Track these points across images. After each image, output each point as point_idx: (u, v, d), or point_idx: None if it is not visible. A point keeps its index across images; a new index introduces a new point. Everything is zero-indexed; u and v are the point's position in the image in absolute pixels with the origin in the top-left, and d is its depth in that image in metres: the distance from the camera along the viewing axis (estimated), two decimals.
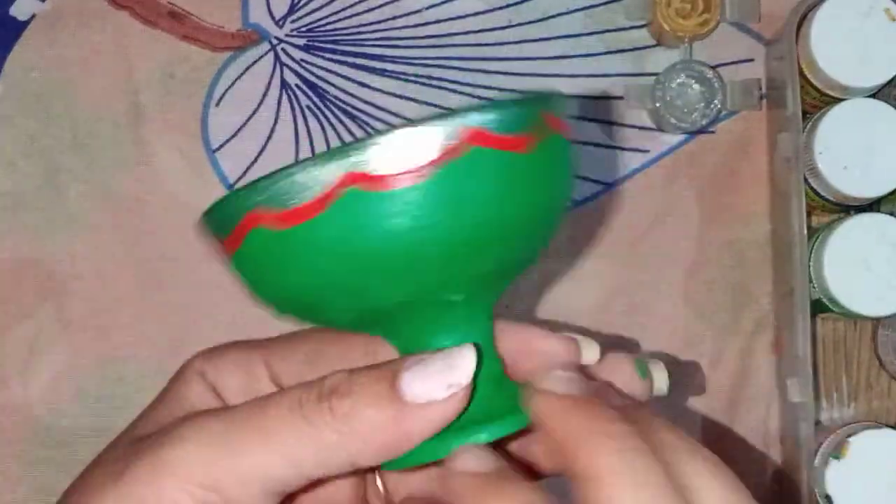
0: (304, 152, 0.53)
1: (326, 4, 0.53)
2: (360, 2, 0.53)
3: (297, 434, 0.28)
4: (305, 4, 0.53)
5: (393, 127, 0.26)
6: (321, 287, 0.28)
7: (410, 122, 0.26)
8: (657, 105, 0.51)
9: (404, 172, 0.26)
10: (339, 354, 0.33)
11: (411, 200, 0.26)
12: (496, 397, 0.29)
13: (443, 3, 0.53)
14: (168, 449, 0.28)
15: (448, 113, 0.26)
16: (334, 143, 0.53)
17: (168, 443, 0.28)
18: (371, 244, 0.27)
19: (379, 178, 0.26)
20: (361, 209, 0.26)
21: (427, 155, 0.26)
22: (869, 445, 0.46)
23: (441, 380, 0.28)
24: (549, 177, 0.29)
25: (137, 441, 0.30)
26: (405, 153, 0.26)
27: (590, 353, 0.33)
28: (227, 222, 0.28)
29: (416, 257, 0.27)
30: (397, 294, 0.28)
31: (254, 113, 0.53)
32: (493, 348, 0.30)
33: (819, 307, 0.48)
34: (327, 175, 0.26)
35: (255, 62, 0.53)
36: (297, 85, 0.53)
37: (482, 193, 0.27)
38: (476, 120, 0.26)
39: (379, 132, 0.26)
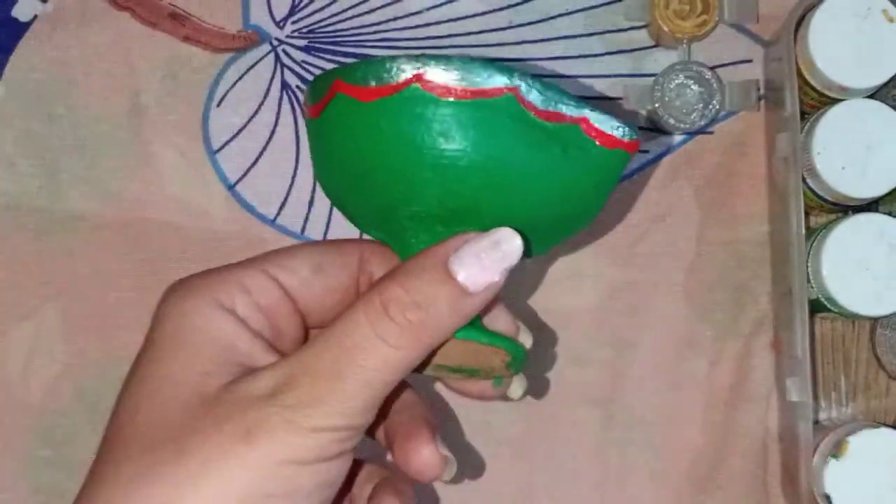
0: (305, 153, 0.53)
1: (327, 6, 0.53)
2: (360, 3, 0.53)
3: (381, 360, 0.30)
4: (306, 6, 0.53)
5: (465, 58, 0.32)
6: (374, 159, 0.33)
7: (475, 60, 0.32)
8: (656, 105, 0.51)
9: (454, 89, 0.31)
10: (341, 261, 0.36)
11: (450, 113, 0.31)
12: None
13: (443, 4, 0.53)
14: (280, 434, 0.29)
15: (505, 66, 0.32)
16: None
17: (268, 427, 0.29)
18: (417, 132, 0.32)
19: (437, 86, 0.31)
20: (417, 102, 0.31)
21: (477, 86, 0.31)
22: (868, 445, 0.46)
23: (497, 266, 0.31)
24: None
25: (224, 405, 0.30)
26: (465, 78, 0.31)
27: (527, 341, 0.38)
28: (319, 90, 0.33)
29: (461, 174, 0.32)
30: (427, 192, 0.33)
31: (254, 114, 0.53)
32: None
33: (817, 307, 0.48)
34: (403, 71, 0.31)
35: (255, 63, 0.53)
36: (297, 86, 0.53)
37: (504, 132, 0.32)
38: (518, 83, 0.32)
39: (451, 58, 0.32)
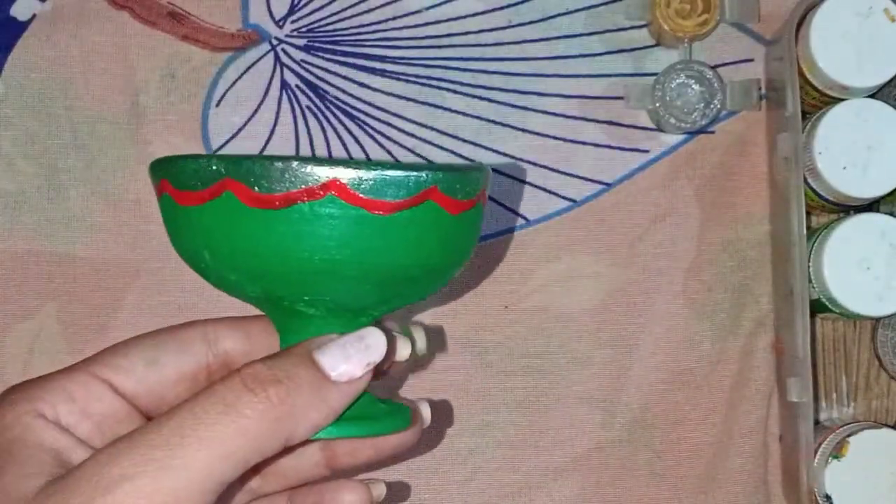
0: (305, 152, 0.53)
1: (327, 5, 0.53)
2: (360, 2, 0.53)
3: (234, 429, 0.29)
4: (305, 5, 0.53)
5: (380, 163, 0.31)
6: (258, 261, 0.31)
7: (394, 162, 0.32)
8: (657, 105, 0.51)
9: (378, 201, 0.31)
10: (179, 350, 0.35)
11: (375, 227, 0.31)
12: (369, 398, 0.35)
13: (443, 3, 0.53)
14: (108, 497, 0.27)
15: (422, 166, 0.32)
16: (334, 143, 0.53)
17: (104, 489, 0.28)
18: (325, 244, 0.31)
19: (354, 196, 0.30)
20: (331, 215, 0.30)
21: (398, 195, 0.31)
22: (869, 445, 0.46)
23: (361, 359, 0.32)
24: (468, 240, 0.35)
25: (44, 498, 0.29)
26: (384, 187, 0.31)
27: (403, 350, 0.38)
28: (202, 179, 0.31)
29: (362, 275, 0.32)
30: (324, 292, 0.33)
31: (254, 113, 0.53)
32: None
33: (818, 307, 0.48)
34: (316, 175, 0.30)
35: (255, 62, 0.53)
36: (297, 85, 0.53)
37: (423, 238, 0.32)
38: (439, 179, 0.32)
39: (367, 163, 0.31)
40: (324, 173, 0.30)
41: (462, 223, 0.34)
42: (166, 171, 0.33)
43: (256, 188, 0.30)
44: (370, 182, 0.30)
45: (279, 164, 0.30)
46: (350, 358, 0.32)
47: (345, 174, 0.30)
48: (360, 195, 0.30)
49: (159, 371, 0.34)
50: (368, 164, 0.31)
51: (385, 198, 0.31)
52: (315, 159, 0.31)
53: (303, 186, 0.30)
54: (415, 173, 0.31)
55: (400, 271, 0.33)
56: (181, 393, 0.35)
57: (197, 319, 0.37)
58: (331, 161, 0.30)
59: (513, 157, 0.53)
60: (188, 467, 0.28)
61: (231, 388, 0.29)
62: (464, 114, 0.53)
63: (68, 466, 0.31)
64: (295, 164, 0.30)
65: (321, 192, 0.30)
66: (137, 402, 0.34)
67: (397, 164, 0.31)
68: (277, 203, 0.30)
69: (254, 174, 0.30)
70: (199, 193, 0.31)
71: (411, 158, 0.53)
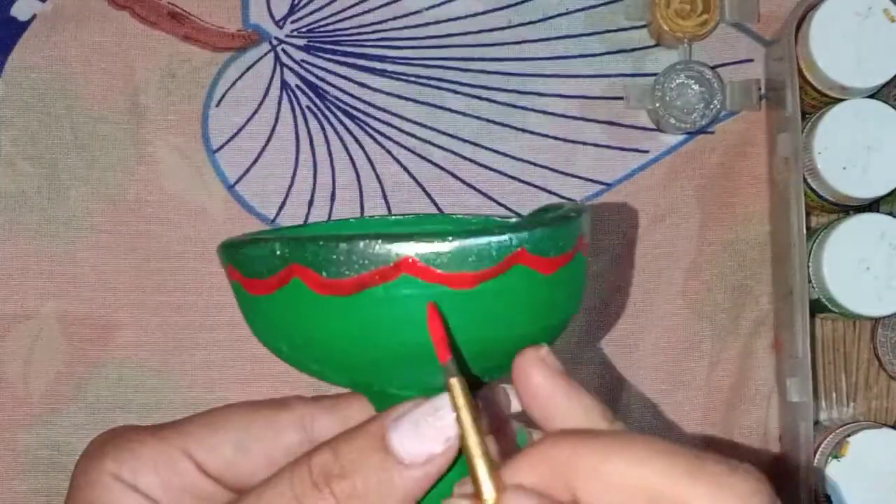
0: (305, 152, 0.53)
1: (327, 5, 0.53)
2: (360, 2, 0.53)
3: None
4: (306, 5, 0.53)
5: (458, 230, 0.27)
6: (336, 351, 0.28)
7: (473, 226, 0.27)
8: (657, 105, 0.51)
9: (458, 274, 0.27)
10: (272, 436, 0.32)
11: (460, 302, 0.27)
12: None
13: (443, 3, 0.53)
14: None
15: (505, 225, 0.28)
16: (334, 143, 0.53)
17: None
18: (405, 328, 0.27)
19: (431, 272, 0.27)
20: (409, 296, 0.27)
21: (480, 266, 0.27)
22: (868, 445, 0.46)
23: (437, 436, 0.27)
24: (570, 295, 0.31)
25: None
26: (464, 258, 0.27)
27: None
28: (267, 266, 0.28)
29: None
30: (412, 377, 0.29)
31: (254, 113, 0.53)
32: None
33: (818, 307, 0.48)
34: (386, 254, 0.27)
35: (255, 63, 0.53)
36: (297, 85, 0.53)
37: (514, 306, 0.28)
38: (525, 240, 0.28)
39: (442, 233, 0.27)
40: (395, 250, 0.27)
41: (558, 281, 0.29)
42: (231, 258, 0.30)
43: (324, 273, 0.27)
44: (447, 255, 0.27)
45: (344, 246, 0.27)
46: (424, 436, 0.27)
47: (419, 249, 0.27)
48: (438, 271, 0.27)
49: (248, 457, 0.32)
50: (444, 234, 0.27)
51: (466, 269, 0.27)
52: (384, 235, 0.27)
53: (374, 268, 0.27)
54: (497, 238, 0.27)
55: (493, 344, 0.29)
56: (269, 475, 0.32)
57: (295, 396, 0.34)
58: (402, 236, 0.27)
59: (513, 157, 0.53)
60: None
61: (298, 479, 0.28)
62: (464, 114, 0.53)
63: None
64: (362, 244, 0.27)
65: (394, 273, 0.27)
66: (223, 481, 0.32)
67: (477, 229, 0.28)
68: (348, 289, 0.27)
69: (319, 258, 0.27)
70: (266, 282, 0.28)
71: (412, 158, 0.53)
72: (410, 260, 0.27)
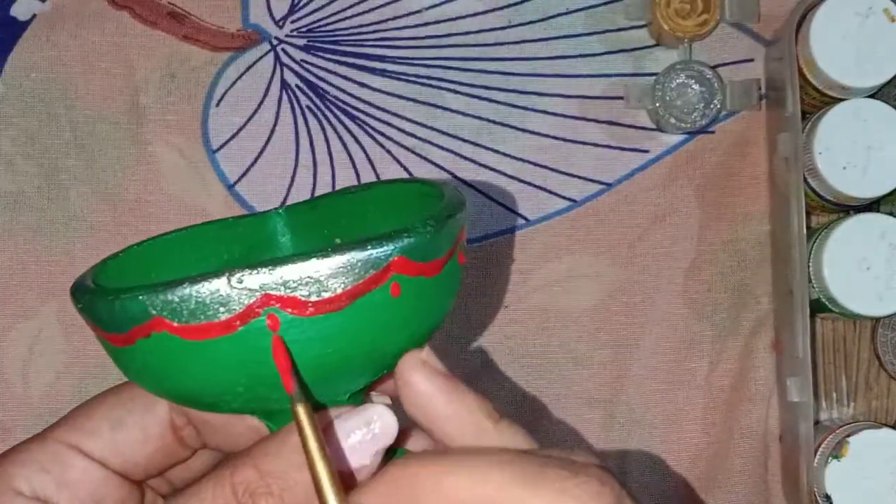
0: (305, 152, 0.53)
1: (326, 5, 0.53)
2: (360, 2, 0.53)
3: None
4: (305, 5, 0.53)
5: (305, 253, 0.25)
6: (214, 391, 0.27)
7: (329, 246, 0.25)
8: (657, 105, 0.51)
9: (323, 300, 0.25)
10: (142, 409, 0.32)
11: (327, 327, 0.26)
12: None
13: (443, 3, 0.53)
14: None
15: (367, 240, 0.26)
16: (334, 143, 0.53)
17: None
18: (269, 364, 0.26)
19: (299, 303, 0.25)
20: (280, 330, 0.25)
21: (347, 283, 0.25)
22: (868, 445, 0.46)
23: (368, 449, 0.27)
24: (451, 295, 0.29)
25: None
26: (327, 279, 0.25)
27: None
28: (124, 320, 0.26)
29: (325, 374, 0.27)
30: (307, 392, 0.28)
31: (254, 113, 0.53)
32: None
33: (818, 307, 0.48)
34: (243, 294, 0.25)
35: (255, 62, 0.53)
36: (297, 85, 0.53)
37: (398, 318, 0.27)
38: (398, 247, 0.26)
39: (290, 256, 0.25)
40: (249, 286, 0.25)
41: (438, 285, 0.28)
42: (88, 312, 0.28)
43: (179, 321, 0.26)
44: (303, 283, 0.25)
45: (197, 292, 0.25)
46: (355, 450, 0.27)
47: (274, 281, 0.25)
48: (303, 298, 0.25)
49: (126, 433, 0.32)
50: (292, 257, 0.25)
51: (334, 292, 0.25)
52: (238, 271, 0.25)
53: (233, 312, 0.25)
54: (357, 254, 0.25)
55: (376, 353, 0.28)
56: (151, 453, 0.33)
57: None
58: (251, 267, 0.25)
59: (513, 156, 0.53)
60: None
61: (220, 498, 0.27)
62: (464, 114, 0.53)
63: None
64: (221, 289, 0.25)
65: (254, 313, 0.25)
66: (108, 464, 0.32)
67: (334, 248, 0.26)
68: (213, 332, 0.25)
69: (179, 309, 0.25)
70: (126, 335, 0.27)
71: (412, 158, 0.53)
72: (273, 295, 0.25)
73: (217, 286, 0.25)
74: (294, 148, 0.53)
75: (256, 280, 0.25)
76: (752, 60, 0.53)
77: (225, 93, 0.53)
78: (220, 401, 0.28)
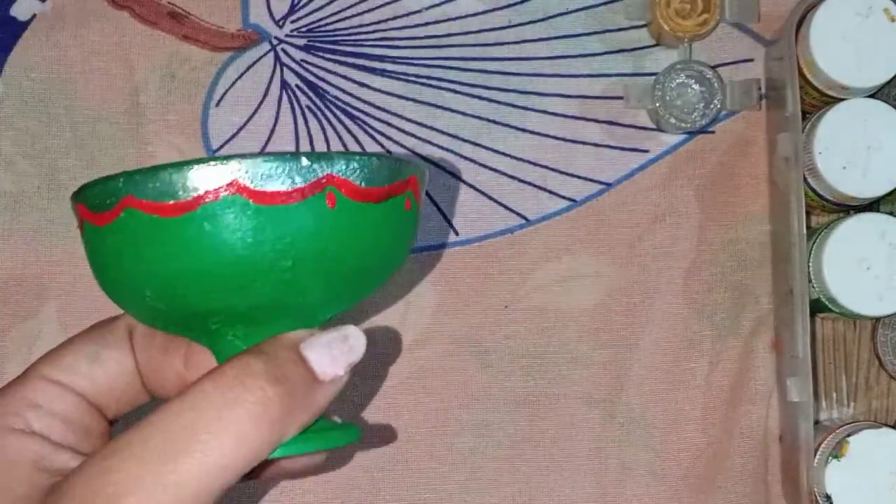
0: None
1: (326, 5, 0.53)
2: (360, 2, 0.53)
3: (232, 437, 0.28)
4: (305, 5, 0.53)
5: (280, 154, 0.30)
6: (170, 277, 0.30)
7: (286, 153, 0.30)
8: (657, 105, 0.51)
9: (280, 192, 0.29)
10: (114, 343, 0.35)
11: (280, 219, 0.30)
12: None
13: (442, 3, 0.53)
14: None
15: (327, 154, 0.30)
16: (334, 143, 0.53)
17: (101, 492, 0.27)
18: (230, 247, 0.30)
19: (257, 193, 0.29)
20: (236, 214, 0.29)
21: (292, 184, 0.30)
22: (869, 445, 0.46)
23: (344, 359, 0.31)
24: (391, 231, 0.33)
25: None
26: (285, 176, 0.30)
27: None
28: (105, 200, 0.30)
29: (294, 277, 0.30)
30: (248, 297, 0.31)
31: (254, 113, 0.53)
32: None
33: (818, 307, 0.48)
34: (211, 179, 0.29)
35: (255, 62, 0.53)
36: (297, 85, 0.53)
37: (340, 232, 0.31)
38: (342, 168, 0.30)
39: (262, 155, 0.30)
40: (214, 174, 0.29)
41: (376, 214, 0.31)
42: (81, 197, 0.32)
43: (154, 199, 0.30)
44: (259, 177, 0.29)
45: (167, 174, 0.29)
46: (335, 358, 0.30)
47: (238, 170, 0.29)
48: (255, 188, 0.29)
49: (102, 366, 0.34)
50: (263, 156, 0.30)
51: (280, 187, 0.29)
52: (202, 160, 0.29)
53: (197, 193, 0.29)
54: (298, 162, 0.30)
55: (327, 262, 0.31)
56: (123, 389, 0.34)
57: (120, 315, 0.36)
58: (222, 158, 0.29)
59: (512, 156, 0.53)
60: (182, 484, 0.27)
61: (225, 388, 0.28)
62: (464, 114, 0.53)
63: (52, 472, 0.31)
64: (187, 169, 0.29)
65: (216, 195, 0.29)
66: (89, 397, 0.33)
67: (294, 155, 0.30)
68: (179, 210, 0.29)
69: (148, 187, 0.30)
70: (106, 214, 0.30)
71: (411, 158, 0.53)
72: (236, 182, 0.29)
73: (187, 173, 0.29)
74: (294, 148, 0.53)
75: (222, 170, 0.29)
76: (752, 60, 0.53)
77: (225, 93, 0.53)
78: (175, 293, 0.31)
